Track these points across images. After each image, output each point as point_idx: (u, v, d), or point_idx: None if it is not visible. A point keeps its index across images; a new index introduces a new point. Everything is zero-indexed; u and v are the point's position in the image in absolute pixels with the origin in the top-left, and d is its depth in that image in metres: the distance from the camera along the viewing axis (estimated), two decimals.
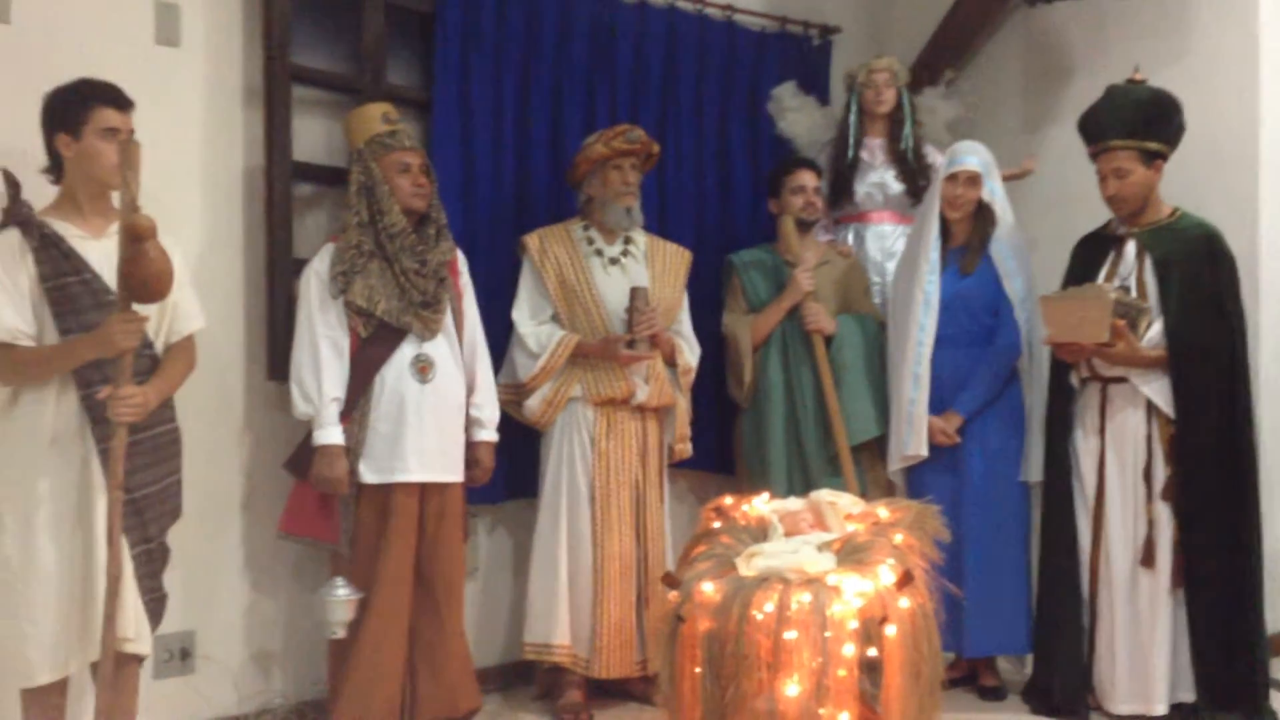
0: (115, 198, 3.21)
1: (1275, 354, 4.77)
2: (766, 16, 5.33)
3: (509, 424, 4.25)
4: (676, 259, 4.59)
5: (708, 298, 4.84)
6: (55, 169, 3.32)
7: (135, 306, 3.10)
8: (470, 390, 4.04)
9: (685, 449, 4.56)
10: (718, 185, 5.14)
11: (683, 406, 4.52)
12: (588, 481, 4.30)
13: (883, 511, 3.72)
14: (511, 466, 4.42)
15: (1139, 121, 4.12)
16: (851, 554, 3.39)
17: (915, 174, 4.99)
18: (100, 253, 3.24)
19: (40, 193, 3.30)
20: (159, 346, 3.36)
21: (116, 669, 3.16)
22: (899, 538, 3.51)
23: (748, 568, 3.35)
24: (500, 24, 4.55)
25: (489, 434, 4.09)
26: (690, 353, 4.56)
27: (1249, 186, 4.47)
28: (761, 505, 3.82)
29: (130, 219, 3.00)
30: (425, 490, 3.88)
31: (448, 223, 4.02)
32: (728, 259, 4.86)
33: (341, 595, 3.73)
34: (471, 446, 4.05)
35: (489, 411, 4.09)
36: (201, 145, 3.99)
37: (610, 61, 4.84)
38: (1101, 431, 4.22)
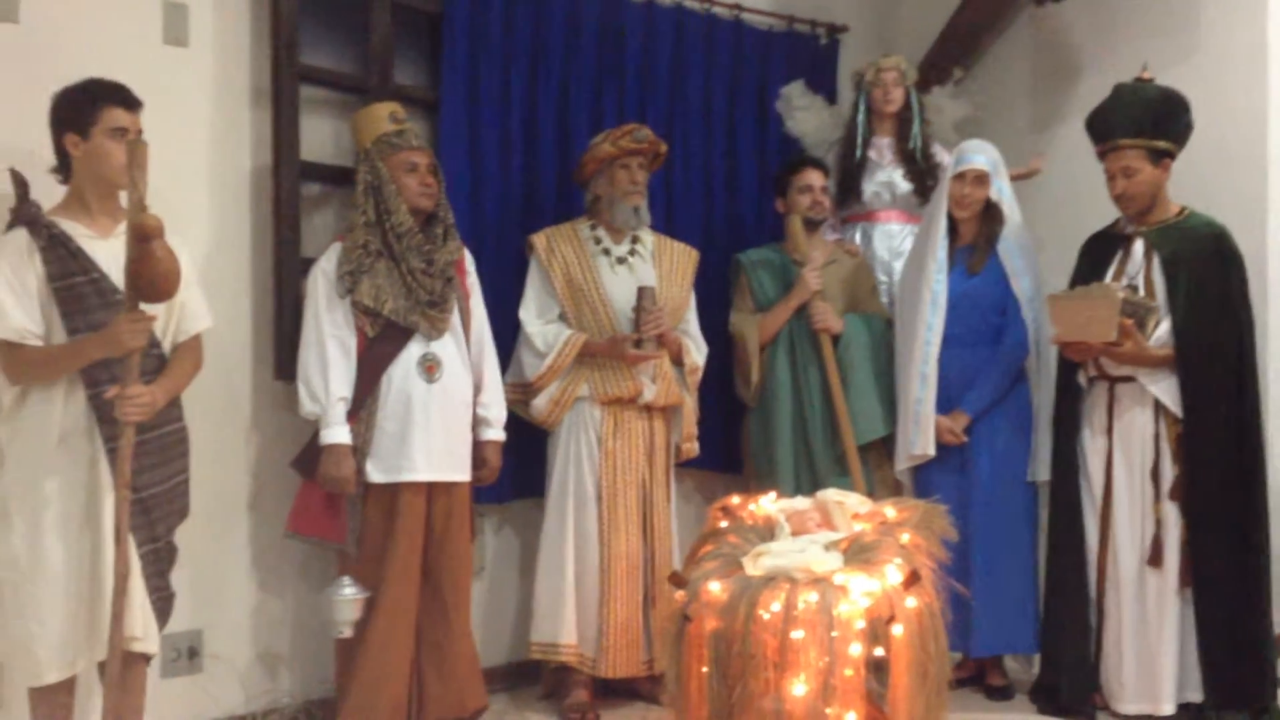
0: (123, 197, 3.22)
1: None
2: (774, 15, 5.32)
3: (516, 423, 4.25)
4: (684, 258, 4.59)
5: (715, 297, 4.84)
6: (63, 169, 3.33)
7: (143, 306, 3.11)
8: (477, 389, 4.04)
9: (692, 448, 4.56)
10: (725, 184, 5.14)
11: (690, 406, 4.52)
12: (594, 481, 4.30)
13: (890, 511, 3.72)
14: (518, 466, 4.42)
15: (1147, 120, 4.11)
16: (858, 553, 3.39)
17: (923, 173, 4.98)
18: (108, 252, 3.25)
19: (48, 192, 3.31)
20: (166, 346, 3.37)
21: (124, 668, 3.16)
22: (906, 537, 3.51)
23: (754, 567, 3.35)
24: (508, 24, 4.56)
25: (496, 433, 4.09)
26: (697, 352, 4.56)
27: (1258, 185, 4.46)
28: (768, 504, 3.82)
29: (138, 218, 3.01)
30: (432, 490, 3.88)
31: (455, 222, 4.02)
32: (735, 258, 4.86)
33: (348, 595, 3.73)
34: (479, 446, 4.05)
35: (496, 411, 4.09)
36: (209, 145, 4.00)
37: (618, 61, 4.84)
38: (1109, 431, 4.21)
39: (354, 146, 4.06)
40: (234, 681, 4.02)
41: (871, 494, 4.33)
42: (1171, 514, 4.08)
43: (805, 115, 5.25)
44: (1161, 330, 4.08)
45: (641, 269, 4.44)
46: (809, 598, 3.15)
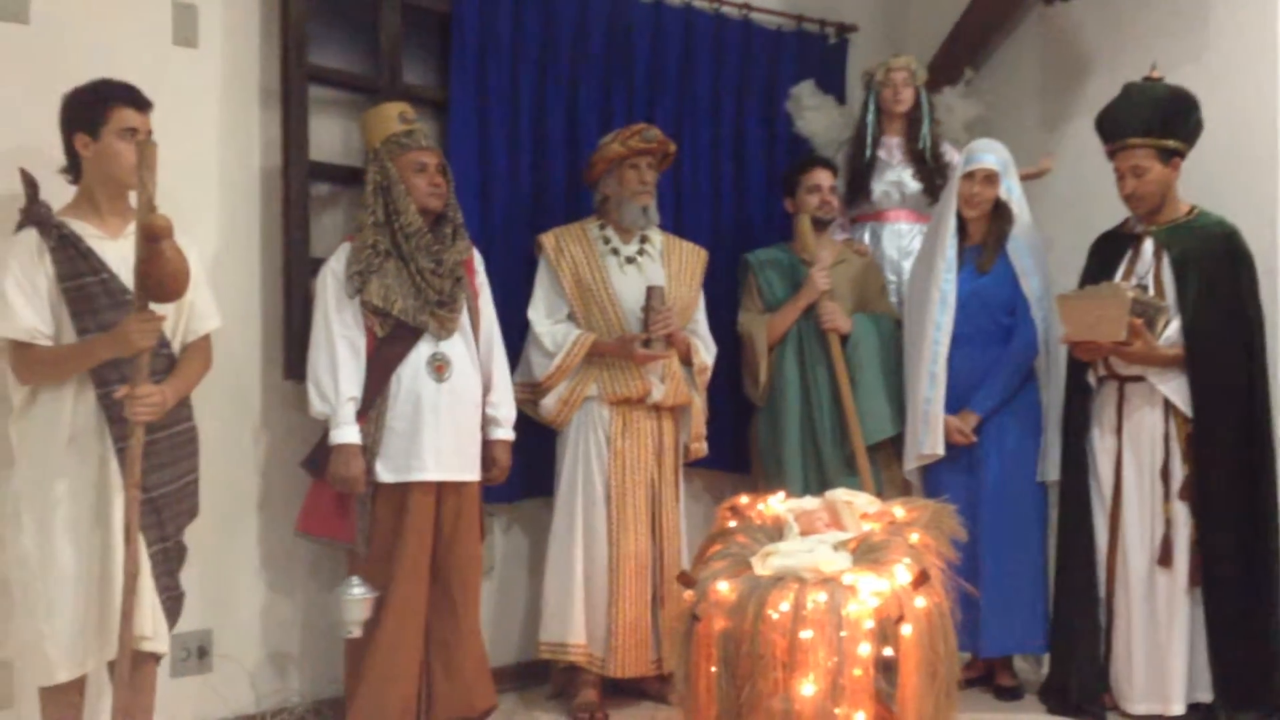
0: (133, 198, 3.23)
1: None
2: (783, 15, 5.32)
3: (525, 423, 4.25)
4: (693, 258, 4.59)
5: (724, 296, 4.83)
6: (73, 169, 3.33)
7: (152, 306, 3.11)
8: (487, 389, 4.04)
9: (701, 448, 4.56)
10: (734, 184, 5.14)
11: (698, 405, 4.52)
12: (603, 480, 4.30)
13: (899, 511, 3.72)
14: (527, 465, 4.42)
15: (1156, 119, 4.11)
16: (867, 553, 3.39)
17: (932, 173, 4.98)
18: (117, 252, 3.25)
19: (58, 193, 3.32)
20: (176, 346, 3.38)
21: (134, 667, 3.17)
22: (915, 537, 3.51)
23: (763, 567, 3.35)
24: (517, 24, 4.56)
25: (506, 433, 4.09)
26: (706, 352, 4.56)
27: (1268, 184, 4.44)
28: (777, 504, 3.82)
29: (147, 219, 3.01)
30: (442, 489, 3.89)
31: (464, 222, 4.02)
32: (743, 258, 4.86)
33: (357, 594, 3.73)
34: (488, 445, 4.05)
35: (505, 410, 4.09)
36: (219, 145, 4.00)
37: (627, 61, 4.84)
38: (1119, 430, 4.20)
39: (363, 146, 4.06)
40: (243, 681, 4.03)
41: (880, 494, 4.34)
42: (1181, 514, 4.08)
43: (815, 115, 5.25)
44: (1171, 330, 4.07)
45: (650, 269, 4.44)
46: (818, 597, 3.15)
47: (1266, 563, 4.01)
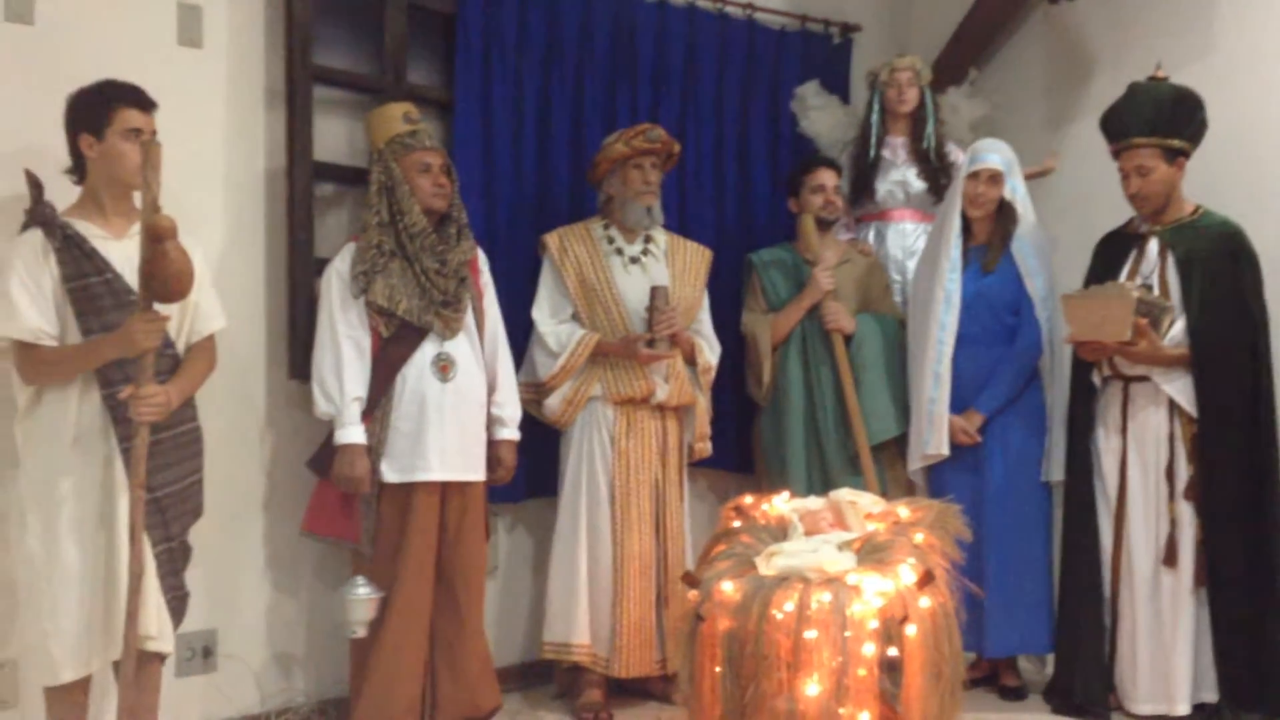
0: (137, 198, 3.23)
1: None
2: (787, 15, 5.32)
3: (529, 423, 4.25)
4: (697, 258, 4.59)
5: (728, 296, 4.83)
6: (78, 169, 3.34)
7: (156, 306, 3.12)
8: (492, 389, 4.04)
9: (705, 448, 4.56)
10: (738, 184, 5.13)
11: (703, 405, 4.52)
12: (608, 480, 4.30)
13: (903, 511, 3.72)
14: (531, 465, 4.42)
15: (1161, 119, 4.10)
16: (872, 553, 3.39)
17: (937, 172, 4.98)
18: (122, 253, 3.26)
19: (63, 193, 3.32)
20: (180, 346, 3.38)
21: (139, 667, 3.17)
22: (920, 537, 3.51)
23: (768, 567, 3.35)
24: (521, 24, 4.56)
25: (511, 432, 4.09)
26: (710, 351, 4.56)
27: (1273, 184, 4.44)
28: (781, 504, 3.82)
29: (151, 219, 3.02)
30: (446, 489, 3.89)
31: (469, 222, 4.02)
32: (747, 258, 4.86)
33: (362, 594, 3.73)
34: (494, 445, 4.05)
35: (511, 410, 4.09)
36: (223, 145, 4.00)
37: (631, 61, 4.84)
38: (1123, 430, 4.20)
39: (368, 147, 4.07)
40: (248, 681, 4.03)
41: (884, 494, 4.33)
42: (1186, 513, 4.07)
43: (820, 115, 5.25)
44: (1176, 329, 4.07)
45: (654, 268, 4.44)
46: (822, 598, 3.15)
47: (1271, 563, 4.00)
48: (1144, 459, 4.15)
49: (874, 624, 3.12)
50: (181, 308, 3.33)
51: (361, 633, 3.75)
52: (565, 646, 4.29)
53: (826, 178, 4.73)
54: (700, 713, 3.34)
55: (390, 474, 3.81)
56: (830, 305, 4.60)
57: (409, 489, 3.82)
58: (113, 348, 3.13)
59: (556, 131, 4.65)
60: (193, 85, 3.91)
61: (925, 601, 3.23)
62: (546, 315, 4.36)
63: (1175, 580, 4.08)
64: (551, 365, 4.29)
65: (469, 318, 3.95)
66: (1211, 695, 4.06)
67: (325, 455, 3.83)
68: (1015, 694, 4.50)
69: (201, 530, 3.52)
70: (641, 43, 4.87)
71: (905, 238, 5.03)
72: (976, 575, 4.08)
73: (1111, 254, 4.32)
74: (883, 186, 5.02)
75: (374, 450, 3.79)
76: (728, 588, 3.29)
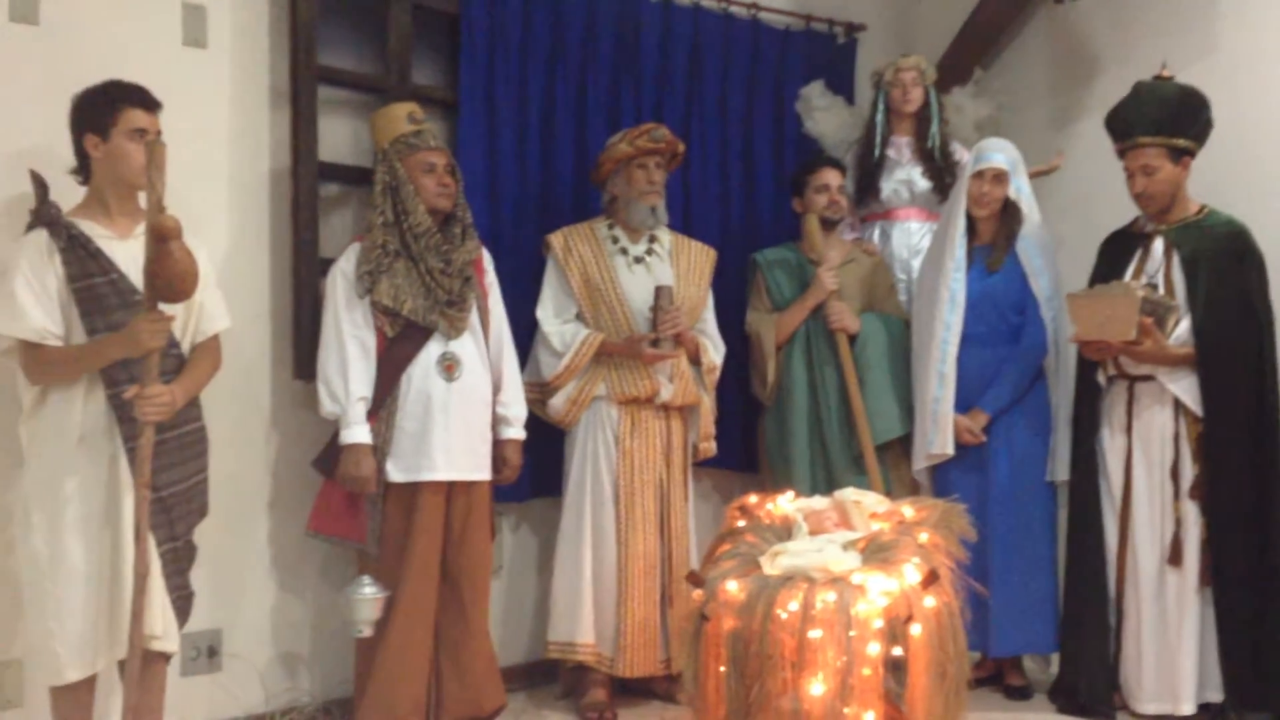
0: (142, 198, 3.24)
1: None
2: (791, 14, 5.32)
3: (534, 422, 4.24)
4: (701, 257, 4.59)
5: (732, 296, 4.83)
6: (83, 170, 3.35)
7: (161, 306, 3.12)
8: (497, 388, 4.05)
9: (709, 447, 4.56)
10: (742, 183, 5.13)
11: (707, 405, 4.52)
12: (612, 480, 4.30)
13: (908, 510, 3.71)
14: (536, 465, 4.42)
15: (1167, 118, 4.10)
16: (876, 553, 3.39)
17: (942, 171, 4.97)
18: (127, 253, 3.26)
19: (68, 193, 3.33)
20: (185, 346, 3.39)
21: (144, 666, 3.18)
22: (924, 536, 3.50)
23: (772, 566, 3.35)
24: (526, 24, 4.56)
25: (517, 432, 4.09)
26: (715, 351, 4.56)
27: (1276, 183, 4.44)
28: (786, 504, 3.82)
29: (156, 219, 3.02)
30: (452, 489, 3.89)
31: (473, 221, 4.02)
32: (752, 257, 4.86)
33: (368, 594, 3.73)
34: (499, 445, 4.05)
35: (516, 410, 4.10)
36: (228, 146, 4.01)
37: (635, 60, 4.84)
38: (1129, 430, 4.19)
39: (372, 147, 4.07)
40: (253, 680, 4.03)
41: (889, 494, 4.32)
42: (1191, 513, 4.07)
43: (824, 116, 5.25)
44: (1181, 329, 4.07)
45: (659, 268, 4.44)
46: (827, 597, 3.15)
47: (1276, 562, 3.99)
48: (1149, 458, 4.15)
49: (879, 623, 3.12)
50: (186, 308, 3.34)
51: (367, 632, 3.76)
52: (570, 646, 4.29)
53: (831, 177, 4.73)
54: (705, 712, 3.33)
55: (396, 474, 3.81)
56: (834, 305, 4.60)
57: (414, 489, 3.82)
58: (118, 348, 3.14)
59: (561, 131, 4.65)
60: (197, 85, 3.91)
61: (930, 601, 3.23)
62: (551, 315, 4.36)
63: (1180, 580, 4.07)
64: (556, 365, 4.29)
65: (474, 317, 3.95)
66: (1216, 695, 4.05)
67: (331, 455, 3.83)
68: (1020, 693, 4.49)
69: (206, 530, 3.53)
70: (646, 42, 4.87)
71: (910, 237, 5.02)
72: (981, 575, 4.08)
73: (1116, 253, 4.32)
74: (888, 185, 5.02)
75: (379, 450, 3.79)
76: (732, 587, 3.29)
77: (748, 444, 4.94)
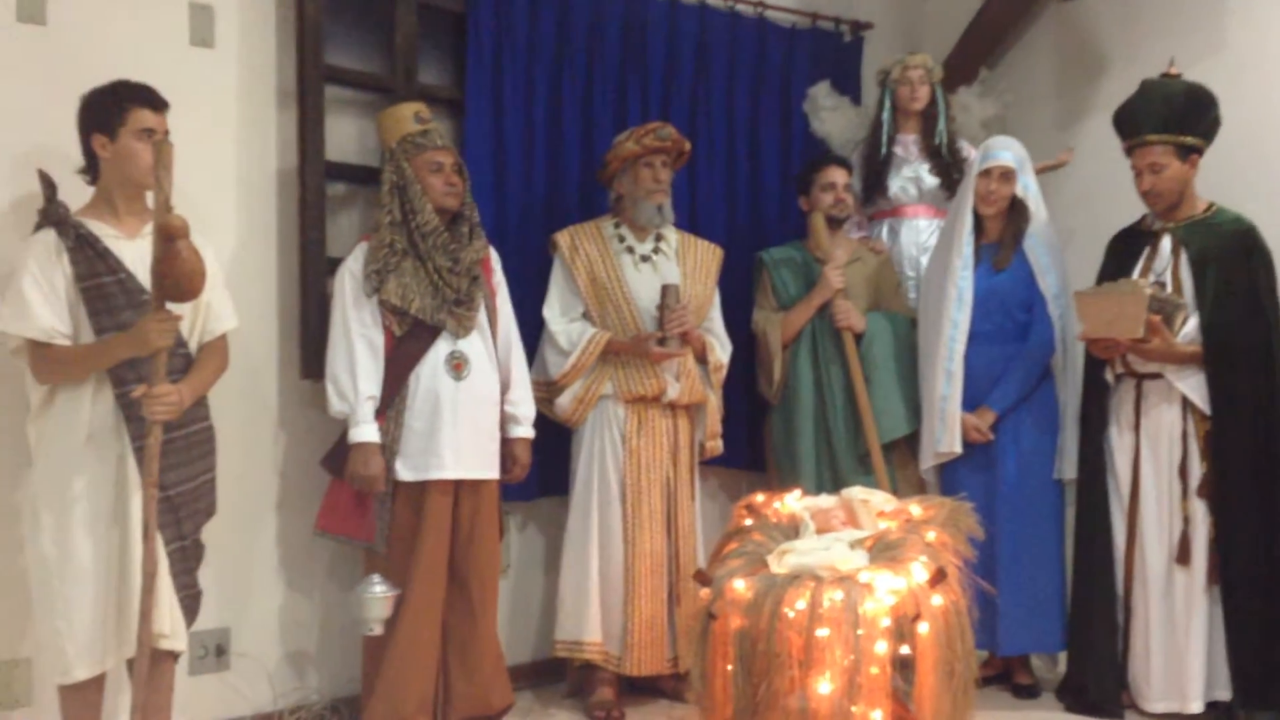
0: (150, 198, 3.24)
1: None
2: (798, 13, 5.32)
3: (540, 421, 4.24)
4: (708, 256, 4.59)
5: (739, 295, 4.83)
6: (91, 170, 3.35)
7: (169, 305, 3.13)
8: (505, 387, 4.05)
9: (716, 446, 4.55)
10: (748, 182, 5.13)
11: (714, 404, 4.52)
12: (619, 479, 4.30)
13: (915, 509, 3.72)
14: (543, 464, 4.42)
15: (1174, 116, 4.09)
16: (884, 551, 3.39)
17: (950, 167, 4.97)
18: (135, 253, 3.27)
19: (76, 193, 3.33)
20: (193, 346, 3.39)
21: (152, 665, 3.18)
22: (932, 535, 3.51)
23: (779, 565, 3.35)
24: (532, 23, 4.56)
25: (525, 431, 4.09)
26: (721, 350, 4.56)
27: None
28: (793, 502, 3.82)
29: (163, 218, 3.03)
30: (460, 488, 3.89)
31: (480, 220, 4.03)
32: (757, 256, 4.86)
33: (379, 592, 3.73)
34: (509, 443, 4.05)
35: (525, 408, 4.10)
36: (235, 145, 4.01)
37: (641, 59, 4.84)
38: (1136, 428, 4.19)
39: (379, 146, 4.07)
40: (261, 679, 4.04)
41: (895, 493, 4.32)
42: (1199, 511, 4.06)
43: (831, 116, 5.24)
44: (1189, 327, 4.06)
45: (665, 267, 4.44)
46: (834, 596, 3.15)
47: None
48: (1157, 456, 4.14)
49: (886, 622, 3.12)
50: (194, 307, 3.34)
51: (378, 630, 3.76)
52: (577, 645, 4.30)
53: (837, 176, 4.72)
54: (712, 711, 3.34)
55: (404, 472, 3.81)
56: (841, 303, 4.59)
57: (422, 487, 3.83)
58: (125, 347, 3.14)
59: (567, 130, 4.65)
60: (205, 85, 3.92)
61: (937, 599, 3.23)
62: (557, 314, 4.36)
63: (1188, 578, 4.06)
64: (562, 364, 4.29)
65: (482, 316, 3.95)
66: (1225, 693, 4.05)
67: (339, 454, 3.84)
68: (1028, 692, 4.49)
69: (214, 529, 3.53)
70: (652, 41, 4.87)
71: (919, 234, 5.02)
72: (989, 573, 4.09)
73: (1124, 251, 4.31)
74: (895, 183, 5.02)
75: (388, 449, 3.79)
76: (740, 586, 3.29)
77: (754, 443, 4.94)
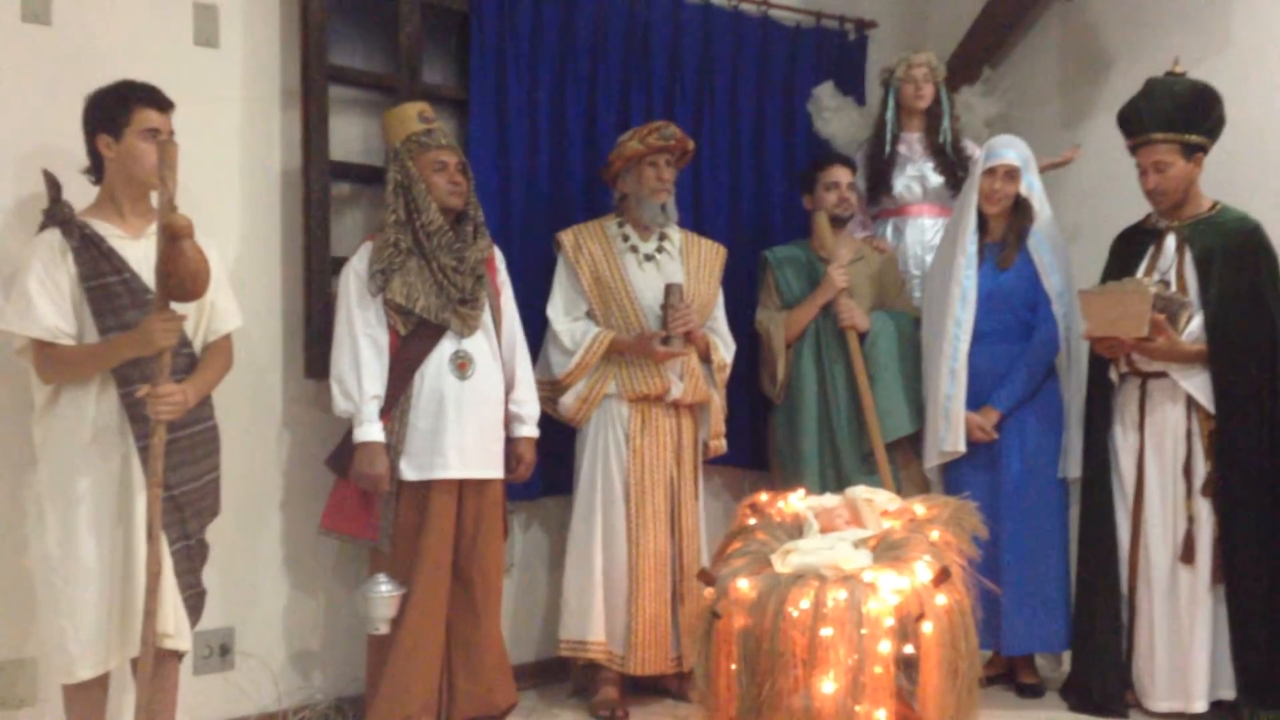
0: (154, 198, 3.25)
1: None
2: (802, 11, 5.31)
3: (544, 421, 4.24)
4: (711, 255, 4.59)
5: (742, 294, 4.83)
6: (96, 170, 3.35)
7: (174, 305, 3.13)
8: (510, 386, 4.05)
9: (720, 445, 4.55)
10: (752, 181, 5.13)
11: (717, 403, 4.52)
12: (622, 478, 4.30)
13: (919, 508, 3.72)
14: (547, 463, 4.42)
15: (1179, 114, 4.09)
16: (888, 550, 3.39)
17: (954, 166, 4.96)
18: (139, 252, 3.27)
19: (81, 193, 3.34)
20: (197, 346, 3.40)
21: (156, 665, 3.18)
22: (936, 534, 3.51)
23: (783, 564, 3.35)
24: (536, 22, 4.56)
25: (530, 430, 4.09)
26: (725, 349, 4.56)
27: None
28: (797, 502, 3.82)
29: (168, 218, 3.03)
30: (464, 487, 3.89)
31: (485, 220, 4.03)
32: (762, 255, 4.85)
33: (385, 591, 3.74)
34: (513, 443, 4.05)
35: (529, 408, 4.10)
36: (240, 145, 4.02)
37: (645, 58, 4.84)
38: (1141, 427, 4.19)
39: (384, 146, 4.07)
40: (266, 678, 4.04)
41: (899, 492, 4.32)
42: (1204, 510, 4.06)
43: (835, 116, 5.24)
44: (1194, 325, 4.05)
45: (669, 266, 4.44)
46: (838, 595, 3.15)
47: None
48: (1161, 455, 4.14)
49: (890, 621, 3.12)
50: (198, 307, 3.34)
51: (384, 629, 3.76)
52: (581, 644, 4.30)
53: (841, 175, 4.72)
54: (716, 710, 3.34)
55: (409, 471, 3.82)
56: (844, 302, 4.59)
57: (427, 487, 3.83)
58: (130, 347, 3.15)
59: (571, 129, 4.65)
60: (209, 85, 3.92)
61: (941, 599, 3.23)
62: (561, 313, 4.37)
63: (1193, 577, 4.06)
64: (566, 363, 4.29)
65: (486, 315, 3.95)
66: (1229, 692, 4.05)
67: (344, 453, 3.84)
68: (1032, 691, 4.48)
69: (219, 528, 3.54)
70: (656, 40, 4.87)
71: (924, 233, 5.02)
72: (993, 572, 4.08)
73: (1129, 250, 4.31)
74: (900, 181, 5.01)
75: (392, 448, 3.80)
76: (743, 585, 3.29)
77: (757, 442, 4.94)
